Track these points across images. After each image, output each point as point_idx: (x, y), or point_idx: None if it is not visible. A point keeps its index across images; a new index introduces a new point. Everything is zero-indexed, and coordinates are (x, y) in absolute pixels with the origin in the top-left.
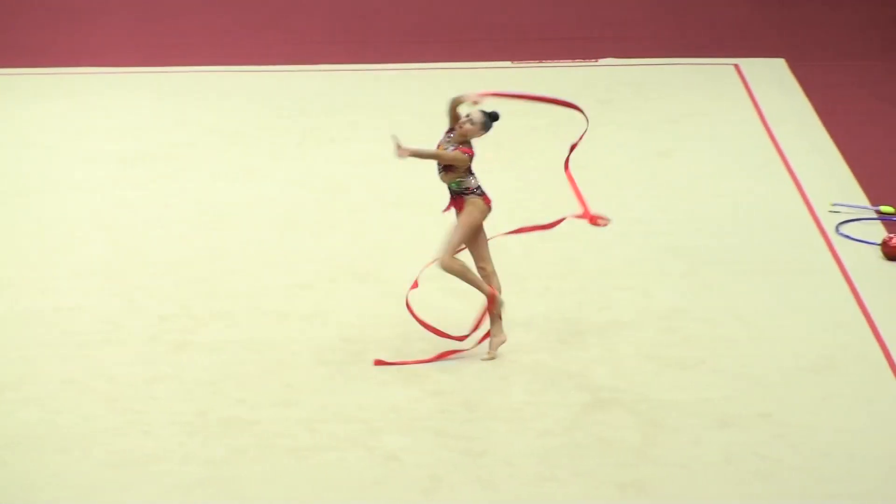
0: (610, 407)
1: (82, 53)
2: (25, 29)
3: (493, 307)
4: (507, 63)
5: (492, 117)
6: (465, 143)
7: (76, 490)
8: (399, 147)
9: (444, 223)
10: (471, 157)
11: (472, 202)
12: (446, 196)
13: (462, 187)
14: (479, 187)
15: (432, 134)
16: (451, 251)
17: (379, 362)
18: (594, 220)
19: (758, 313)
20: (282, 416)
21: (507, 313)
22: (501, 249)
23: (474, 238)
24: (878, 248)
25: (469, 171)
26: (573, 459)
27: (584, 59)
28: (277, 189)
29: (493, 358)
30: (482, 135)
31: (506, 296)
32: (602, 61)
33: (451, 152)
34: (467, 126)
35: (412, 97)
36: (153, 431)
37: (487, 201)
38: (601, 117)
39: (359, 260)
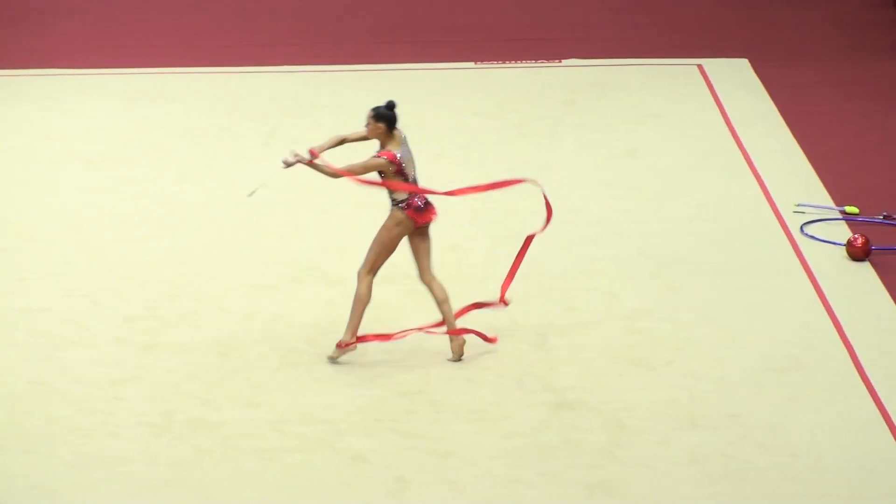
0: (576, 408)
1: (47, 55)
2: None
3: (339, 354)
4: (471, 64)
5: (387, 106)
6: (383, 148)
7: (42, 491)
8: (311, 152)
9: None
10: (389, 160)
11: (392, 215)
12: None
13: (390, 198)
14: (402, 200)
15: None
16: (366, 266)
17: (361, 339)
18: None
19: (724, 314)
20: (248, 417)
21: (473, 315)
22: (465, 251)
23: (390, 247)
24: (843, 248)
25: (403, 180)
26: (540, 460)
27: (547, 59)
28: (244, 189)
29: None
30: (389, 131)
31: (470, 297)
32: (566, 62)
33: (361, 162)
34: (369, 129)
35: (376, 98)
36: (119, 433)
37: (411, 214)
38: (565, 118)
39: (324, 261)
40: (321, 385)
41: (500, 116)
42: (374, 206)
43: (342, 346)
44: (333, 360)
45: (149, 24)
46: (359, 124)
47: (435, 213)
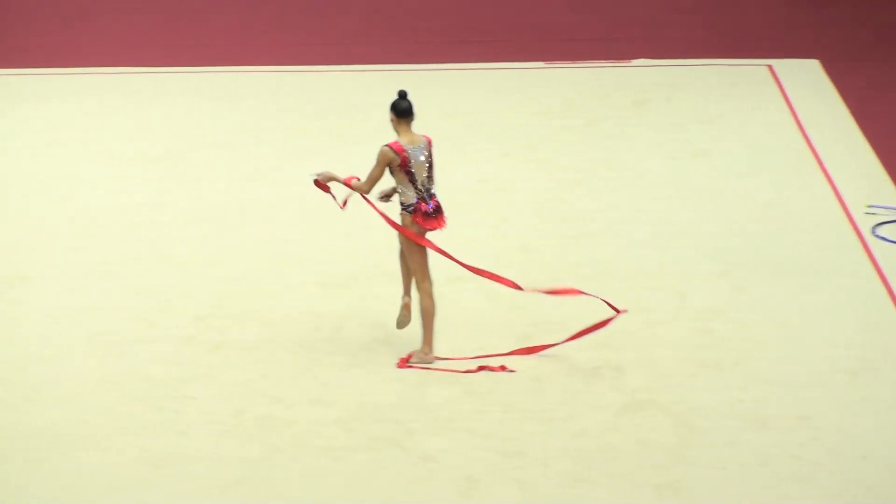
0: (645, 408)
1: (108, 53)
2: (49, 29)
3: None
4: (540, 63)
5: (398, 94)
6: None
7: (112, 489)
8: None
9: (478, 224)
10: (394, 150)
11: (402, 221)
12: (478, 197)
13: (399, 202)
14: (410, 205)
15: (463, 133)
16: (417, 278)
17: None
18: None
19: (793, 315)
20: (317, 416)
21: (542, 315)
22: (534, 250)
23: (425, 253)
24: None
25: (409, 180)
26: (608, 461)
27: (617, 59)
28: (309, 193)
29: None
30: (399, 121)
31: (539, 297)
32: (635, 62)
33: (373, 166)
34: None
35: (442, 98)
36: (189, 431)
37: (418, 219)
38: (634, 118)
39: (392, 260)
40: (390, 384)
41: (569, 116)
42: (446, 205)
43: (421, 359)
44: (409, 365)
45: (214, 22)
46: (425, 125)
47: (443, 224)
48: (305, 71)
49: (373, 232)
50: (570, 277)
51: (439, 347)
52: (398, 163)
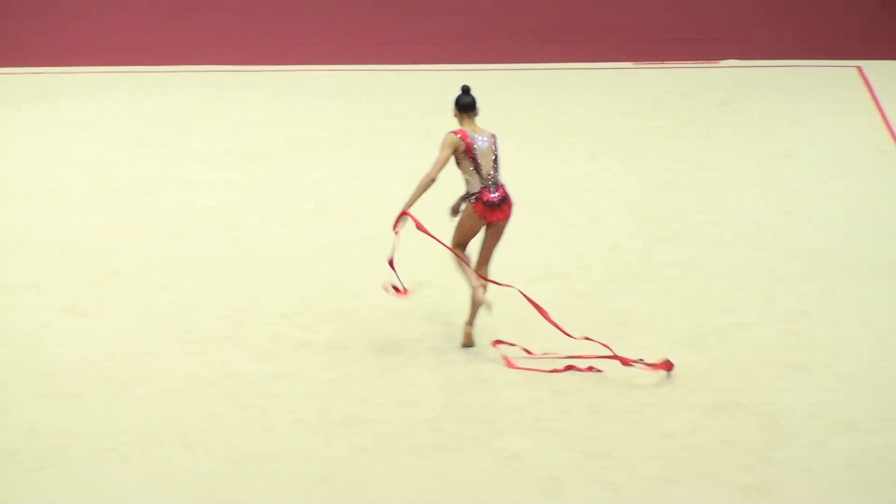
0: (732, 409)
1: (196, 51)
2: (134, 27)
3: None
4: (629, 64)
5: (462, 90)
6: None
7: (198, 486)
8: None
9: (567, 223)
10: (460, 136)
11: (466, 207)
12: (567, 197)
13: (466, 191)
14: (473, 193)
15: (551, 134)
16: (454, 248)
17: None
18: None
19: (881, 317)
20: (404, 415)
21: (629, 315)
22: (622, 251)
23: (469, 235)
24: None
25: (475, 169)
26: (695, 462)
27: (705, 60)
28: (397, 188)
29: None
30: (467, 114)
31: (627, 297)
32: (724, 63)
33: (436, 160)
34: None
35: (531, 98)
36: (275, 429)
37: (477, 208)
38: (721, 119)
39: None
40: (477, 384)
41: (656, 117)
42: (531, 204)
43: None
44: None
45: (303, 21)
46: (513, 124)
47: (506, 215)
48: (394, 70)
49: None
50: (658, 277)
51: (527, 344)
52: (463, 148)
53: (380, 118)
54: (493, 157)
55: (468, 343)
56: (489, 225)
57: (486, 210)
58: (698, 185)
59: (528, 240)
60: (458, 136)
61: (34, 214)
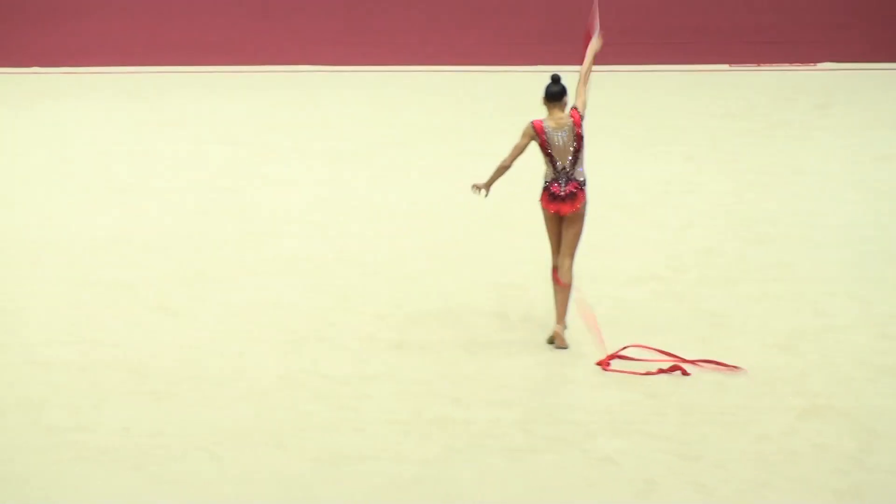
0: (826, 413)
1: (292, 50)
2: (227, 27)
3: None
4: (725, 66)
5: (551, 79)
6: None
7: (290, 486)
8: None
9: (661, 225)
10: (533, 127)
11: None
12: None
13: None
14: (546, 183)
15: (646, 135)
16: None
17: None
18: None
19: None
20: (496, 416)
21: (723, 317)
22: (717, 254)
23: (549, 230)
24: None
25: (550, 161)
26: (788, 465)
27: (801, 62)
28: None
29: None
30: (552, 104)
31: (721, 299)
32: (819, 65)
33: (514, 146)
34: None
35: (626, 99)
36: (367, 429)
37: (543, 200)
38: (817, 121)
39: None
40: (570, 386)
41: (752, 118)
42: (626, 205)
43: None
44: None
45: (396, 21)
46: (605, 125)
47: (574, 208)
48: (488, 70)
49: None
50: (752, 279)
51: (618, 346)
52: (538, 142)
53: (473, 117)
54: (572, 152)
55: (560, 345)
56: (561, 218)
57: (552, 202)
58: (793, 187)
59: (623, 242)
60: (535, 128)
61: (129, 213)
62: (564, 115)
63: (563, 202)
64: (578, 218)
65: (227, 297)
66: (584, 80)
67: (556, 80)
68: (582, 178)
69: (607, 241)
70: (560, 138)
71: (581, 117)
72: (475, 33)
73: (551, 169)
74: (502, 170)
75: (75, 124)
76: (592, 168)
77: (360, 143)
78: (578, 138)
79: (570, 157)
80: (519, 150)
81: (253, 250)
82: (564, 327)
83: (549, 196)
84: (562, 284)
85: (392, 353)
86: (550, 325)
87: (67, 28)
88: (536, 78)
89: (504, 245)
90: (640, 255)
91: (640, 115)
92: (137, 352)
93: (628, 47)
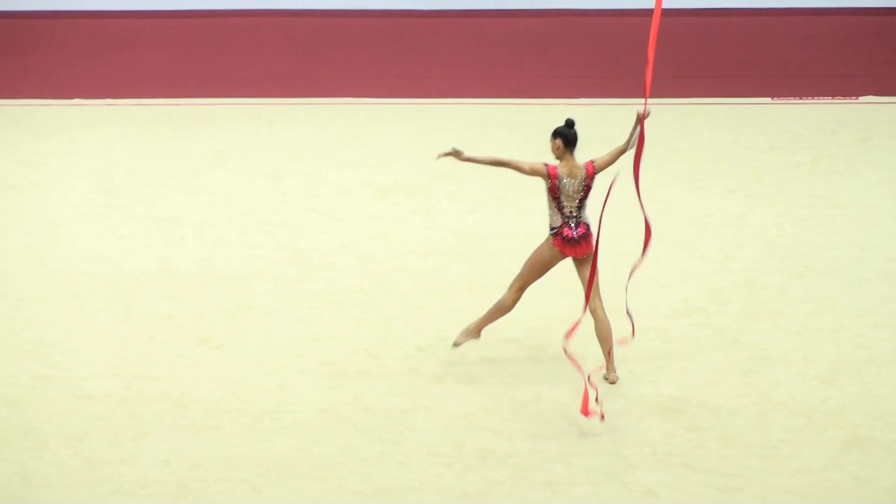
0: (867, 446)
1: (337, 83)
2: (274, 59)
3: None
4: (767, 99)
5: (566, 123)
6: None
7: None
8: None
9: (704, 258)
10: (548, 171)
11: (546, 239)
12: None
13: (549, 224)
14: (554, 228)
15: (689, 168)
16: (517, 280)
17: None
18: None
19: None
20: (537, 448)
21: (764, 350)
22: (759, 287)
23: (537, 269)
24: None
25: (556, 206)
26: (829, 498)
27: (843, 96)
28: (536, 221)
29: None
30: (564, 149)
31: (763, 332)
32: (862, 99)
33: (530, 162)
34: (551, 147)
35: (669, 132)
36: (409, 462)
37: (557, 243)
38: (860, 155)
39: (614, 296)
40: (611, 419)
41: (794, 152)
42: (668, 237)
43: (465, 335)
44: (458, 344)
45: (441, 55)
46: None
47: (586, 251)
48: (532, 104)
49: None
50: (793, 312)
51: (662, 379)
52: (548, 185)
53: (519, 152)
54: (581, 197)
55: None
56: (574, 260)
57: (565, 245)
58: (836, 221)
59: (665, 274)
60: (547, 169)
61: (173, 246)
62: (579, 166)
63: (578, 244)
64: (590, 259)
65: (270, 330)
66: (615, 153)
67: (570, 124)
68: (588, 221)
69: (649, 273)
70: (571, 186)
71: (595, 172)
72: (520, 68)
73: (558, 214)
74: (491, 162)
75: (119, 156)
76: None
77: (406, 176)
78: (587, 189)
79: (577, 203)
80: (518, 168)
81: (296, 283)
82: (613, 370)
83: (563, 240)
84: (605, 330)
85: (434, 385)
86: (593, 360)
87: (111, 60)
88: (578, 111)
89: (546, 280)
90: (682, 288)
91: (683, 148)
92: (179, 384)
93: (671, 80)
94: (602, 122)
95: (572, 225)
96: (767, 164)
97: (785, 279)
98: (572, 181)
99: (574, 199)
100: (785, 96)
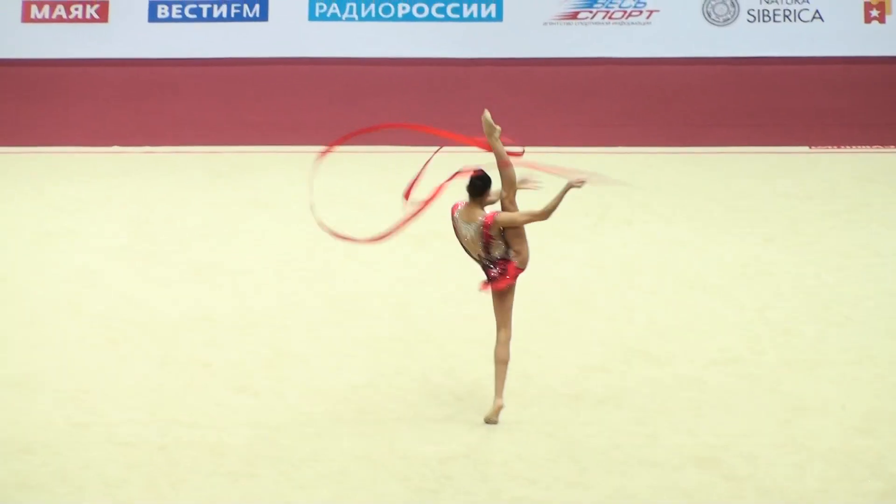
0: None
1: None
2: (313, 108)
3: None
4: (805, 148)
5: (477, 172)
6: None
7: None
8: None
9: (741, 306)
10: (451, 213)
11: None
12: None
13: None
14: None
15: (726, 217)
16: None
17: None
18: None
19: None
20: (575, 498)
21: (802, 400)
22: (794, 335)
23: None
24: None
25: (467, 253)
26: None
27: (881, 145)
28: (574, 268)
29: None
30: (470, 196)
31: (800, 382)
32: None
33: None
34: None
35: (705, 181)
36: None
37: (483, 287)
38: None
39: (652, 342)
40: (648, 468)
41: (832, 201)
42: (705, 286)
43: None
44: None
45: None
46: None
47: (505, 283)
48: (566, 152)
49: (630, 313)
50: (831, 361)
51: (699, 428)
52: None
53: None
54: (483, 244)
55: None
56: (494, 294)
57: (489, 283)
58: (874, 270)
59: (701, 323)
60: (451, 211)
61: (211, 292)
62: (479, 212)
63: (497, 280)
64: (510, 290)
65: (307, 377)
66: (525, 216)
67: (478, 174)
68: (502, 256)
69: (686, 322)
70: (465, 229)
71: (492, 223)
72: (559, 116)
73: (476, 259)
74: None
75: (157, 203)
76: (672, 248)
77: (442, 223)
78: (485, 237)
79: (481, 249)
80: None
81: (333, 330)
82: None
83: (487, 281)
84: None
85: (471, 433)
86: (631, 408)
87: (149, 107)
88: (619, 160)
89: (585, 327)
90: (719, 337)
91: (720, 197)
92: (216, 431)
93: (708, 129)
94: (640, 170)
95: (491, 267)
96: (805, 212)
97: (823, 328)
98: (468, 225)
99: (475, 245)
100: (822, 145)
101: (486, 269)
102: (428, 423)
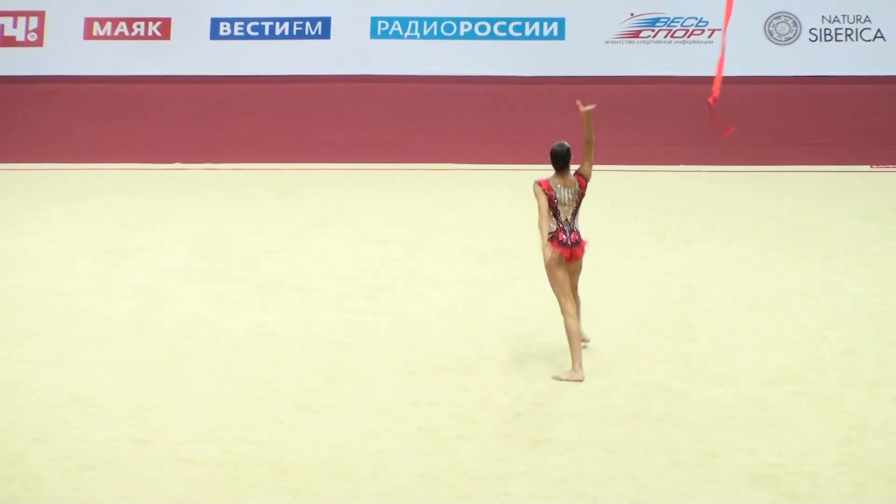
0: None
1: (439, 149)
2: (376, 125)
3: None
4: (867, 167)
5: (557, 144)
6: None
7: None
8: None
9: (802, 326)
10: (542, 188)
11: (545, 252)
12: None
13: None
14: (551, 233)
15: (788, 236)
16: (559, 305)
17: None
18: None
19: None
20: None
21: (863, 419)
22: (859, 354)
23: (560, 279)
24: None
25: (553, 213)
26: None
27: None
28: (635, 288)
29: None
30: (556, 166)
31: (862, 401)
32: None
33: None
34: None
35: (768, 199)
36: None
37: (555, 246)
38: None
39: (714, 362)
40: (710, 486)
41: (894, 221)
42: (766, 306)
43: (570, 376)
44: (559, 378)
45: (542, 122)
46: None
47: (582, 253)
48: (626, 170)
49: (692, 331)
50: (893, 382)
51: (760, 447)
52: (546, 197)
53: (619, 217)
54: (574, 208)
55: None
56: (571, 263)
57: (561, 248)
58: None
59: (763, 342)
60: (541, 186)
61: (273, 309)
62: (570, 177)
63: (569, 249)
64: (580, 265)
65: (369, 395)
66: (587, 152)
67: (559, 145)
68: (580, 229)
69: (747, 340)
70: (564, 193)
71: (587, 181)
72: (619, 135)
73: (555, 221)
74: (543, 227)
75: (221, 221)
76: (733, 267)
77: (505, 241)
78: (580, 196)
79: (572, 212)
80: (541, 210)
81: (395, 348)
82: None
83: (558, 242)
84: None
85: (531, 451)
86: (692, 426)
87: (212, 125)
88: (681, 179)
89: (643, 346)
90: (781, 355)
91: (782, 216)
92: (278, 448)
93: (771, 149)
94: (700, 189)
95: (566, 230)
96: (866, 232)
97: (884, 347)
98: (567, 189)
99: (568, 208)
100: (885, 164)
101: (569, 232)
102: (488, 440)
